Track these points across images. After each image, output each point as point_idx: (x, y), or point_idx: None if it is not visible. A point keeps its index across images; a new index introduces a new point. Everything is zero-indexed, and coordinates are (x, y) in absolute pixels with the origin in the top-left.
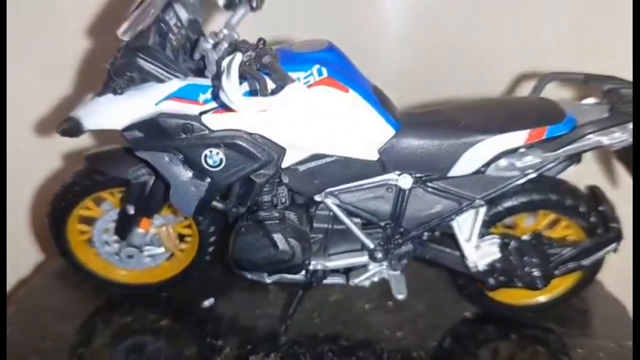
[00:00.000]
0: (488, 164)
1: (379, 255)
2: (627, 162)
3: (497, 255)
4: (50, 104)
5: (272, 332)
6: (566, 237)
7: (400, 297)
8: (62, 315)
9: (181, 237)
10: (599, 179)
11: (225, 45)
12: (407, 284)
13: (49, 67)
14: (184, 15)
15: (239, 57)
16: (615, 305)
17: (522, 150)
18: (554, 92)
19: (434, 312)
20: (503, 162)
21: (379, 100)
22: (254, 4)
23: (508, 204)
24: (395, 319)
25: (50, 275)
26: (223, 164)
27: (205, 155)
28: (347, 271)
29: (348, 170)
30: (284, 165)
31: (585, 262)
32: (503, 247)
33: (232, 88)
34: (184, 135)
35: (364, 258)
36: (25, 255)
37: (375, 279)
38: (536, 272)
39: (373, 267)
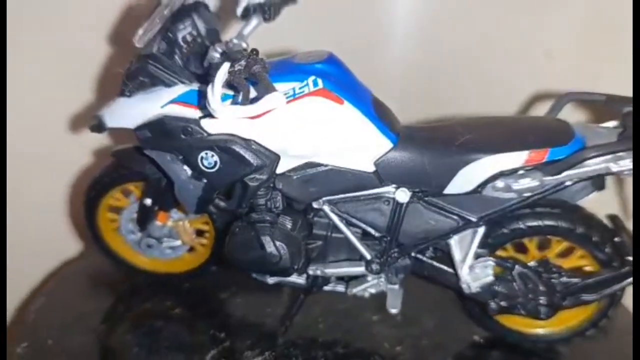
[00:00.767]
0: (485, 184)
1: (376, 267)
2: None
3: (490, 278)
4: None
5: (274, 332)
6: (581, 268)
7: (393, 311)
8: (89, 296)
9: (201, 232)
10: None
11: (216, 54)
12: (419, 299)
13: (83, 69)
14: (201, 25)
15: (225, 66)
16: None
17: (521, 171)
18: (576, 113)
19: (442, 331)
20: (500, 183)
21: (377, 113)
22: (267, 16)
23: (514, 226)
24: (399, 333)
25: (86, 261)
26: (217, 166)
27: (202, 157)
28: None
29: (343, 180)
30: (279, 171)
31: (595, 296)
32: (506, 271)
33: (214, 95)
34: (183, 137)
35: (361, 268)
36: (67, 241)
37: (373, 290)
38: (541, 301)
39: (372, 278)
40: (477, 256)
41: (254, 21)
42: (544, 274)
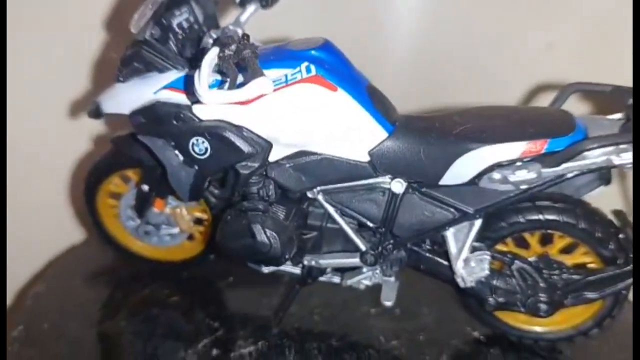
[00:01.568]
0: (481, 175)
1: (370, 258)
2: None
3: (485, 272)
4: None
5: (269, 323)
6: (585, 265)
7: (387, 303)
8: (89, 282)
9: (200, 220)
10: None
11: (210, 40)
12: (419, 293)
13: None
14: (199, 11)
15: (213, 51)
16: None
17: (518, 163)
18: (582, 105)
19: (440, 326)
20: (496, 174)
21: (372, 101)
22: (264, 2)
23: (513, 220)
24: (396, 327)
25: (88, 248)
26: (208, 152)
27: (193, 144)
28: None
29: (337, 170)
30: (271, 159)
31: (598, 294)
32: (505, 266)
33: (200, 80)
34: (175, 123)
35: (355, 260)
36: (71, 229)
37: (369, 282)
38: (541, 298)
39: (367, 270)
40: (474, 250)
41: (252, 7)
42: (544, 270)
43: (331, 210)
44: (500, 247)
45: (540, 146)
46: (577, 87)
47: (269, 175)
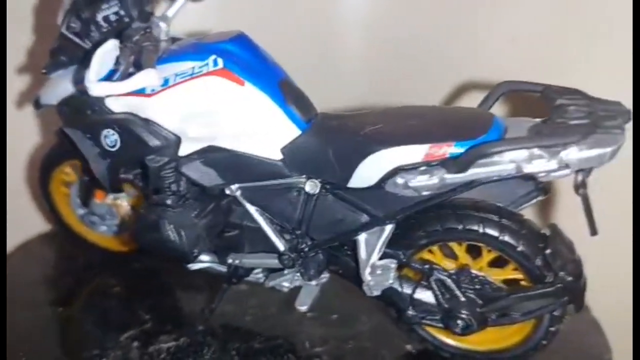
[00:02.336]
0: (386, 179)
1: (288, 260)
2: (585, 206)
3: (389, 282)
4: None
5: (197, 320)
6: (518, 281)
7: (302, 308)
8: (47, 269)
9: None
10: None
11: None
12: (361, 299)
13: None
14: (131, 4)
15: (108, 43)
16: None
17: (423, 167)
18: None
19: (374, 335)
20: (399, 179)
21: (285, 96)
22: None
23: (431, 228)
24: (327, 333)
25: (51, 236)
26: (118, 145)
27: (104, 136)
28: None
29: (249, 167)
30: (182, 153)
31: (521, 315)
32: (424, 277)
33: (90, 71)
34: (89, 114)
35: (275, 261)
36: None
37: (289, 284)
38: (461, 314)
39: (288, 272)
40: (386, 257)
41: (180, 1)
42: (463, 285)
43: (250, 208)
44: (426, 256)
45: (445, 150)
46: (508, 87)
47: (180, 170)
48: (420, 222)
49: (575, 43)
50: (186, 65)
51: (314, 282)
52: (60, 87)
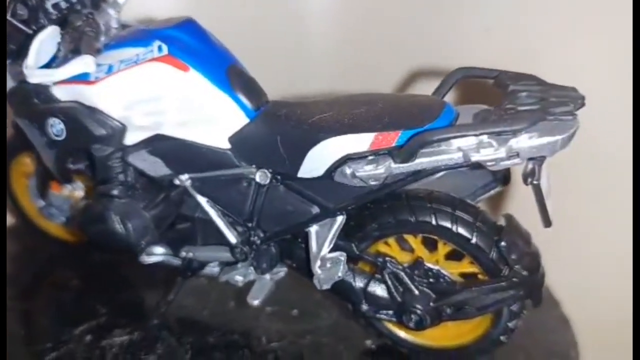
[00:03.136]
0: (335, 168)
1: (240, 254)
2: (538, 197)
3: (338, 275)
4: None
5: (153, 314)
6: (476, 275)
7: (254, 303)
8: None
9: None
10: None
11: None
12: (323, 294)
13: None
14: None
15: (47, 30)
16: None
17: (370, 157)
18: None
19: (333, 332)
20: (347, 168)
21: (232, 83)
22: None
23: (384, 220)
24: (284, 328)
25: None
26: (64, 134)
27: (50, 124)
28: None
29: (197, 156)
30: (128, 143)
31: (476, 310)
32: (377, 270)
33: (27, 58)
34: (35, 102)
35: (227, 254)
36: None
37: (242, 278)
38: (415, 308)
39: (242, 266)
40: (338, 249)
41: None
42: (417, 278)
43: (201, 200)
44: (382, 248)
45: (391, 138)
46: (463, 73)
47: (126, 160)
48: (373, 214)
49: (552, 33)
50: (131, 52)
51: (267, 276)
52: (10, 76)
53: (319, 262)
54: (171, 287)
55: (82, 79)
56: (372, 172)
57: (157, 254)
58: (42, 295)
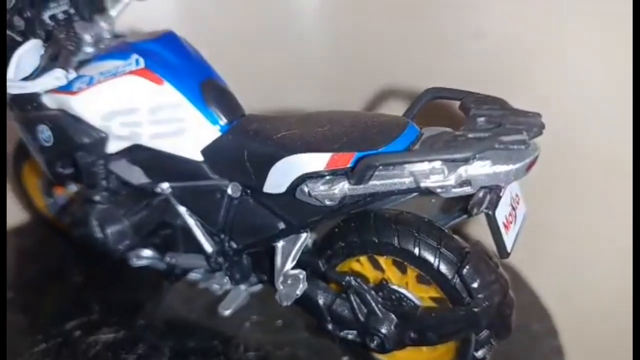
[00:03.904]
0: (295, 186)
1: (215, 264)
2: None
3: (297, 292)
4: None
5: (138, 315)
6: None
7: (225, 313)
8: (22, 256)
9: None
10: None
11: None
12: None
13: None
14: (82, 3)
15: (29, 43)
16: None
17: (328, 177)
18: None
19: (311, 346)
20: (305, 187)
21: (206, 97)
22: None
23: (350, 239)
24: (265, 338)
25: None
26: (52, 140)
27: (40, 131)
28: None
29: (173, 167)
30: (110, 151)
31: (437, 337)
32: (343, 289)
33: (8, 70)
34: (29, 110)
35: (204, 262)
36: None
37: (218, 286)
38: (378, 331)
39: (219, 275)
40: (305, 266)
41: (124, 0)
42: (381, 300)
43: (181, 209)
44: (355, 267)
45: (346, 159)
46: (433, 94)
47: (109, 168)
48: (341, 232)
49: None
50: (111, 65)
51: (242, 287)
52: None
53: (281, 278)
54: (163, 289)
55: (66, 89)
56: (326, 192)
57: (145, 257)
58: (43, 288)
